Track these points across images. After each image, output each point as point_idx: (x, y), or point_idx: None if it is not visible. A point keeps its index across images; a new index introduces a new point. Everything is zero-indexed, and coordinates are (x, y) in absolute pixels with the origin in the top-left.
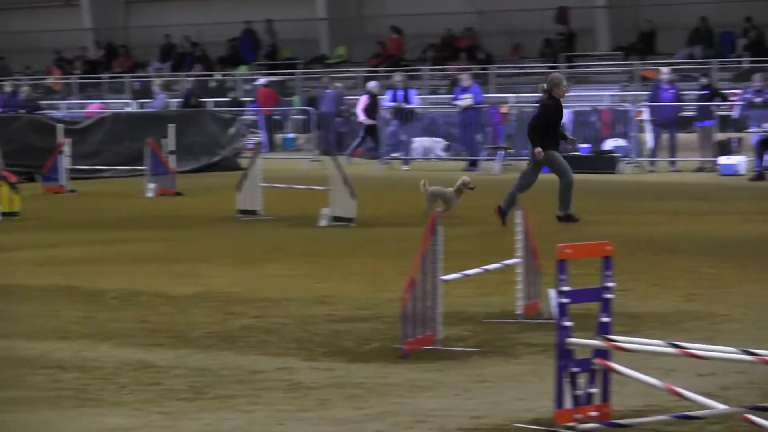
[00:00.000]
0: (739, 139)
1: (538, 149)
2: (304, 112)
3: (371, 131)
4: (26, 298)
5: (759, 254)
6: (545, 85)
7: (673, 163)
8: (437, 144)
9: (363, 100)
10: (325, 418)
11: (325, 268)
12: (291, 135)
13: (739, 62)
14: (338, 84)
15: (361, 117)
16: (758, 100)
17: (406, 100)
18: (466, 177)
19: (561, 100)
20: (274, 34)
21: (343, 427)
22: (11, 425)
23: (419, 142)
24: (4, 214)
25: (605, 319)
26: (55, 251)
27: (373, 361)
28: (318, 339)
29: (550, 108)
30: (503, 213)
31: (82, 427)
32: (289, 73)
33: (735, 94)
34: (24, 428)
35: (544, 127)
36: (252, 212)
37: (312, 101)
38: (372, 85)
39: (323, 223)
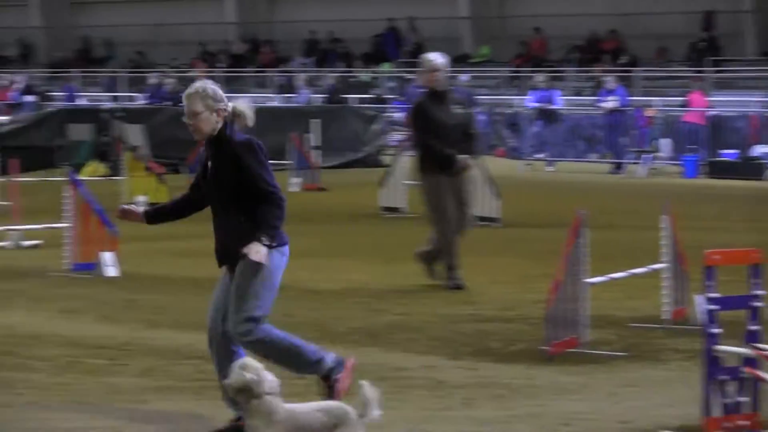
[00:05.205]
0: None
1: None
2: None
3: None
4: (171, 289)
5: None
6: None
7: None
8: None
9: None
10: (471, 418)
11: (470, 267)
12: None
13: None
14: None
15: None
16: None
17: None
18: None
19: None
20: (417, 31)
21: (488, 428)
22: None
23: None
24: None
25: (754, 328)
26: (197, 243)
27: (518, 362)
28: (463, 338)
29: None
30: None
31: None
32: None
33: None
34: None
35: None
36: (395, 209)
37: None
38: None
39: None
